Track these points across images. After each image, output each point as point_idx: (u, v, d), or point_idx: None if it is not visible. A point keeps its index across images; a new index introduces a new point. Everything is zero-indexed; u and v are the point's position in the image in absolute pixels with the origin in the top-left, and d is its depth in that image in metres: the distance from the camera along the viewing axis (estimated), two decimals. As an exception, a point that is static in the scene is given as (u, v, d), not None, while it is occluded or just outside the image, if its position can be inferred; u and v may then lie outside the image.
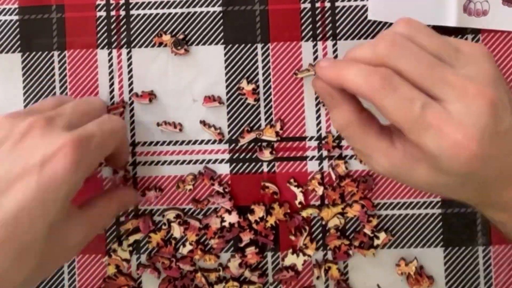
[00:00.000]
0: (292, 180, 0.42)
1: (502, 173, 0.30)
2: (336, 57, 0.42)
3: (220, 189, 0.42)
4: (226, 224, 0.42)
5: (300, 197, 0.42)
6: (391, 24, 0.41)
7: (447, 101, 0.29)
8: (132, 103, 0.43)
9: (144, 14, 0.43)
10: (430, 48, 0.30)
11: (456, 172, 0.29)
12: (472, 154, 0.28)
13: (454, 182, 0.30)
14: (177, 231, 0.42)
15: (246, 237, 0.42)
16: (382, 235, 0.41)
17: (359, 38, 0.42)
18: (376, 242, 0.41)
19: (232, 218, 0.42)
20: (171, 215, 0.42)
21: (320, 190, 0.42)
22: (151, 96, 0.42)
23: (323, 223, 0.42)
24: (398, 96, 0.29)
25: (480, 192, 0.31)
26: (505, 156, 0.30)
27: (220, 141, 0.42)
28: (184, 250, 0.42)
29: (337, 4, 0.42)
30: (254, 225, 0.42)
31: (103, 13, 0.43)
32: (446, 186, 0.31)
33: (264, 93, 0.42)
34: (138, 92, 0.42)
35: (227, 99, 0.43)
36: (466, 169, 0.29)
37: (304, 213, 0.42)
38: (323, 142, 0.42)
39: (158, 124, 0.42)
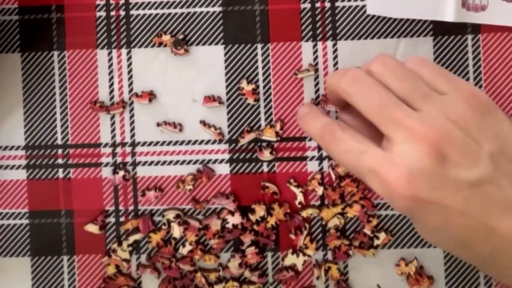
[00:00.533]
0: (292, 180, 0.42)
1: (477, 225, 0.28)
2: (336, 57, 0.42)
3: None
4: (229, 225, 0.42)
5: (300, 197, 0.42)
6: (389, 18, 0.41)
7: (393, 141, 0.29)
8: (132, 103, 0.43)
9: (144, 14, 0.43)
10: (396, 89, 0.31)
11: (399, 210, 0.30)
12: (402, 194, 0.28)
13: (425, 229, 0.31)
14: (176, 231, 0.42)
15: (247, 239, 0.42)
16: (382, 235, 0.41)
17: (359, 38, 0.42)
18: (376, 242, 0.41)
19: (235, 219, 0.42)
20: (171, 215, 0.42)
21: (320, 190, 0.42)
22: (150, 96, 0.42)
23: (323, 223, 0.42)
24: (339, 148, 0.31)
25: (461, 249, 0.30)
26: (472, 215, 0.28)
27: (220, 141, 0.42)
28: (184, 250, 0.42)
29: (337, 4, 0.42)
30: (255, 226, 0.42)
31: (103, 13, 0.43)
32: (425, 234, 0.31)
33: (264, 93, 0.42)
34: (138, 92, 0.42)
35: (227, 99, 0.43)
36: (405, 211, 0.29)
37: (304, 213, 0.42)
38: (323, 142, 0.42)
39: (158, 124, 0.42)
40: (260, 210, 0.41)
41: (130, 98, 0.43)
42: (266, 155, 0.42)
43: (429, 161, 0.28)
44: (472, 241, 0.29)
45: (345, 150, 0.31)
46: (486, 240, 0.28)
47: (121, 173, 0.42)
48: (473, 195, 0.28)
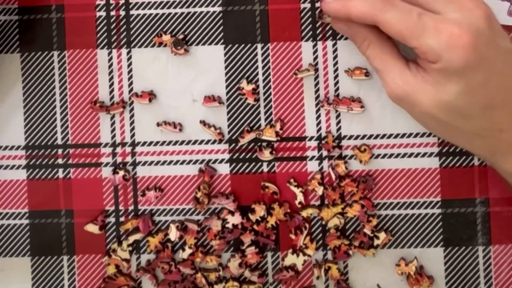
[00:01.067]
0: (292, 180, 0.42)
1: (507, 97, 0.34)
2: (336, 57, 0.42)
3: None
4: (229, 225, 0.41)
5: (300, 197, 0.42)
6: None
7: (444, 13, 0.33)
8: (132, 103, 0.43)
9: (144, 14, 0.43)
10: None
11: (458, 65, 0.32)
12: (468, 42, 0.32)
13: (457, 114, 0.34)
14: (173, 233, 0.42)
15: (247, 239, 0.42)
16: (382, 235, 0.41)
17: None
18: (376, 242, 0.41)
19: (235, 219, 0.42)
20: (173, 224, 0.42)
21: (320, 190, 0.42)
22: (150, 96, 0.42)
23: (323, 223, 0.42)
24: (397, 10, 0.33)
25: (488, 125, 0.35)
26: (506, 76, 0.34)
27: (220, 141, 0.42)
28: (184, 254, 0.42)
29: (337, 4, 0.42)
30: (255, 226, 0.42)
31: (103, 13, 0.43)
32: (450, 114, 0.34)
33: (264, 93, 0.42)
34: (138, 92, 0.42)
35: (227, 99, 0.43)
36: (464, 62, 0.32)
37: (304, 213, 0.42)
38: (323, 142, 0.42)
39: (158, 124, 0.42)
40: (260, 210, 0.41)
41: (130, 98, 0.43)
42: (266, 155, 0.42)
43: (485, 25, 0.33)
44: (499, 102, 0.34)
45: (404, 11, 0.33)
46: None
47: (121, 173, 0.42)
48: (508, 60, 0.34)
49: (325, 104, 0.42)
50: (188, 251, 0.42)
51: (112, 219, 0.43)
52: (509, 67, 0.34)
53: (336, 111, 0.42)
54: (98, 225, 0.42)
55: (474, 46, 0.32)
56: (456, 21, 0.32)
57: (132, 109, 0.43)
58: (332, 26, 0.39)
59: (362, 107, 0.41)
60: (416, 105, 0.35)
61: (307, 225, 0.42)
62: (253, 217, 0.41)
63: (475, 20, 0.33)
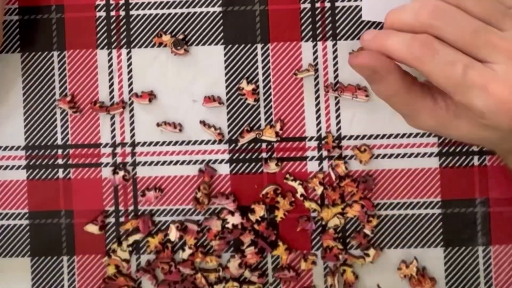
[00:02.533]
0: (288, 176, 0.42)
1: None
2: (336, 57, 0.42)
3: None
4: (229, 225, 0.41)
5: (301, 190, 0.41)
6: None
7: (492, 62, 0.29)
8: (132, 103, 0.43)
9: (144, 14, 0.43)
10: (476, 12, 0.30)
11: (503, 128, 0.30)
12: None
13: (498, 136, 0.31)
14: (173, 234, 0.42)
15: (247, 239, 0.42)
16: (372, 252, 0.41)
17: (359, 38, 0.42)
18: (367, 259, 0.41)
19: (235, 219, 0.42)
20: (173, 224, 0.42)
21: (319, 190, 0.42)
22: (150, 96, 0.42)
23: (323, 223, 0.42)
24: (439, 60, 0.29)
25: None
26: None
27: (220, 141, 0.42)
28: (184, 255, 0.42)
29: (337, 4, 0.42)
30: (255, 226, 0.42)
31: (102, 13, 0.43)
32: (489, 139, 0.32)
33: (264, 93, 0.42)
34: (137, 93, 0.42)
35: (227, 99, 0.43)
36: (509, 127, 0.29)
37: (307, 204, 0.41)
38: (323, 142, 0.42)
39: (158, 125, 0.42)
40: (260, 210, 0.41)
41: (130, 98, 0.43)
42: (272, 167, 0.42)
43: None
44: None
45: (447, 62, 0.29)
46: None
47: (121, 173, 0.42)
48: None
49: (330, 90, 0.41)
50: (188, 251, 0.42)
51: (112, 220, 0.43)
52: None
53: (337, 111, 0.42)
54: (98, 225, 0.42)
55: None
56: (506, 81, 0.29)
57: (132, 110, 0.43)
58: (350, 62, 0.34)
59: (367, 96, 0.41)
60: (449, 136, 0.34)
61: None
62: (253, 217, 0.41)
63: None
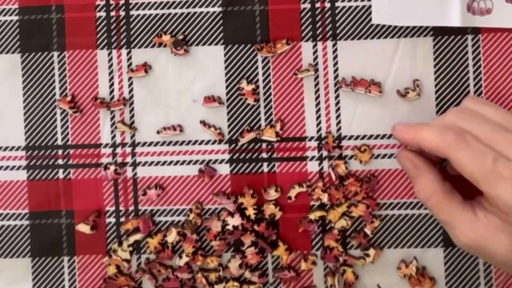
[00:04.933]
0: (296, 186, 0.42)
1: None
2: (336, 57, 0.42)
3: (229, 206, 0.42)
4: (229, 227, 0.41)
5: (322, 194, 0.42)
6: (395, 27, 0.41)
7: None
8: (132, 103, 0.43)
9: (144, 15, 0.43)
10: (495, 118, 0.33)
11: None
12: None
13: None
14: (172, 236, 0.42)
15: (247, 239, 0.42)
16: (372, 252, 0.41)
17: (359, 39, 0.42)
18: (368, 259, 0.41)
19: (235, 221, 0.42)
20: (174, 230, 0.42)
21: (325, 197, 0.41)
22: (145, 67, 0.42)
23: (331, 225, 0.42)
24: (471, 150, 0.32)
25: None
26: None
27: (220, 141, 0.42)
28: (181, 262, 0.42)
29: (337, 4, 0.42)
30: (255, 227, 0.42)
31: (102, 14, 0.43)
32: None
33: (264, 93, 0.42)
34: (132, 68, 0.43)
35: (227, 100, 0.43)
36: None
37: (312, 216, 0.41)
38: (323, 142, 0.42)
39: (158, 132, 0.42)
40: (250, 207, 0.41)
41: (129, 86, 0.43)
42: (272, 194, 0.42)
43: None
44: None
45: (479, 152, 0.32)
46: None
47: (112, 167, 0.42)
48: None
49: (343, 85, 0.41)
50: (185, 259, 0.42)
51: (112, 220, 0.43)
52: None
53: (337, 111, 0.42)
54: (89, 225, 0.42)
55: None
56: None
57: (132, 110, 0.43)
58: (397, 160, 0.38)
59: (380, 92, 0.41)
60: (492, 256, 0.33)
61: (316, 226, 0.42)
62: (244, 202, 0.41)
63: None
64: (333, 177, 0.42)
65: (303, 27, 0.42)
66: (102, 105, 0.42)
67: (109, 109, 0.42)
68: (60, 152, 0.43)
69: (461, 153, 0.32)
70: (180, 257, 0.42)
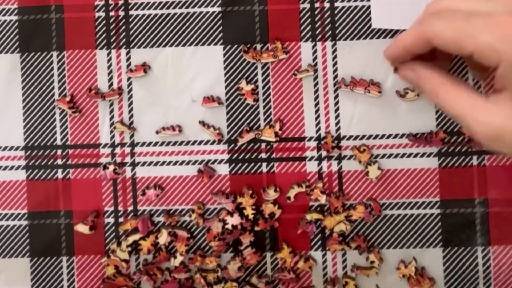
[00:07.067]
0: (295, 186, 0.42)
1: None
2: (335, 57, 0.42)
3: (228, 206, 0.42)
4: (228, 226, 0.41)
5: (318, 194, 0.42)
6: (396, 31, 0.41)
7: (490, 12, 0.31)
8: (131, 103, 0.43)
9: (143, 15, 0.43)
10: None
11: None
12: None
13: None
14: (163, 238, 0.42)
15: (246, 239, 0.42)
16: (372, 257, 0.41)
17: (358, 39, 0.42)
18: (375, 266, 0.41)
19: (234, 220, 0.42)
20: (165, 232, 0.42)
21: (323, 199, 0.41)
22: (144, 67, 0.42)
23: (327, 231, 0.42)
24: (442, 19, 0.32)
25: None
26: None
27: (220, 141, 0.42)
28: (176, 262, 0.42)
29: (336, 4, 0.42)
30: (255, 227, 0.42)
31: (102, 14, 0.43)
32: None
33: (263, 94, 0.42)
34: (132, 68, 0.42)
35: (226, 100, 0.43)
36: None
37: (309, 217, 0.41)
38: (322, 142, 0.42)
39: (157, 132, 0.42)
40: (248, 208, 0.41)
41: (129, 86, 0.43)
42: (271, 194, 0.42)
43: None
44: None
45: (450, 19, 0.32)
46: None
47: (111, 167, 0.42)
48: None
49: (342, 85, 0.41)
50: (179, 258, 0.42)
51: (111, 220, 0.43)
52: None
53: (336, 111, 0.42)
54: (88, 225, 0.42)
55: None
56: (503, 12, 0.30)
57: (131, 110, 0.43)
58: (400, 76, 0.37)
59: (379, 92, 0.41)
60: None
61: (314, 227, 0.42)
62: (243, 201, 0.41)
63: None
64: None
65: (302, 27, 0.42)
66: (97, 95, 0.42)
67: (104, 99, 0.42)
68: (59, 152, 0.43)
69: (435, 26, 0.32)
70: (175, 257, 0.42)
